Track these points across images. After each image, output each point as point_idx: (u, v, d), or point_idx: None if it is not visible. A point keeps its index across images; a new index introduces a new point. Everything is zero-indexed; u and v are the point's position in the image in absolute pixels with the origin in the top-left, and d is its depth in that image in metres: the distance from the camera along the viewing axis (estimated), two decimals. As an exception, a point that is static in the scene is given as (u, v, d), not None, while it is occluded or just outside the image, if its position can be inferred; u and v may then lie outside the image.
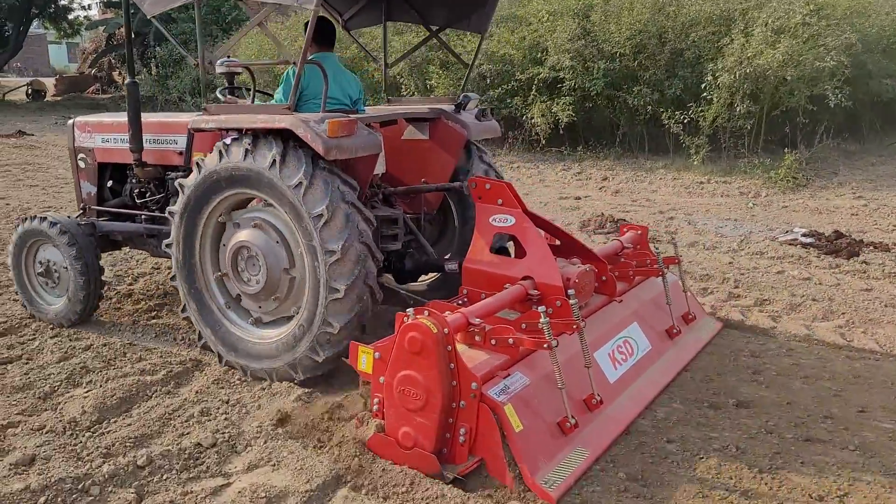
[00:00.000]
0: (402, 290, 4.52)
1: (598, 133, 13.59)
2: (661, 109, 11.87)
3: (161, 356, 4.74)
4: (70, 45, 55.10)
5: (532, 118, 12.87)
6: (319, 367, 4.18)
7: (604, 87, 12.39)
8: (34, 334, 5.16)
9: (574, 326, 3.50)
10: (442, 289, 5.35)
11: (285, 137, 4.10)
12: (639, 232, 5.11)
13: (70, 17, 33.19)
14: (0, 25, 29.86)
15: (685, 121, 11.59)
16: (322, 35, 4.84)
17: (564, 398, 3.33)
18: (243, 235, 4.35)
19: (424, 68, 14.35)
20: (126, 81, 5.15)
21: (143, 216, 5.49)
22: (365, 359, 3.47)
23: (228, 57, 4.63)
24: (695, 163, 11.57)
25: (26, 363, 4.64)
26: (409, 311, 3.28)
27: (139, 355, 4.78)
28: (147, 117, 5.22)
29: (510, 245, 4.71)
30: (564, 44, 12.36)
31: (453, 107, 5.12)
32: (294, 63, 4.02)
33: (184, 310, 4.69)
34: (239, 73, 5.15)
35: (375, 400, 3.45)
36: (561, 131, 12.85)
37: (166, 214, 4.68)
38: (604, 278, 4.37)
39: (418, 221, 5.09)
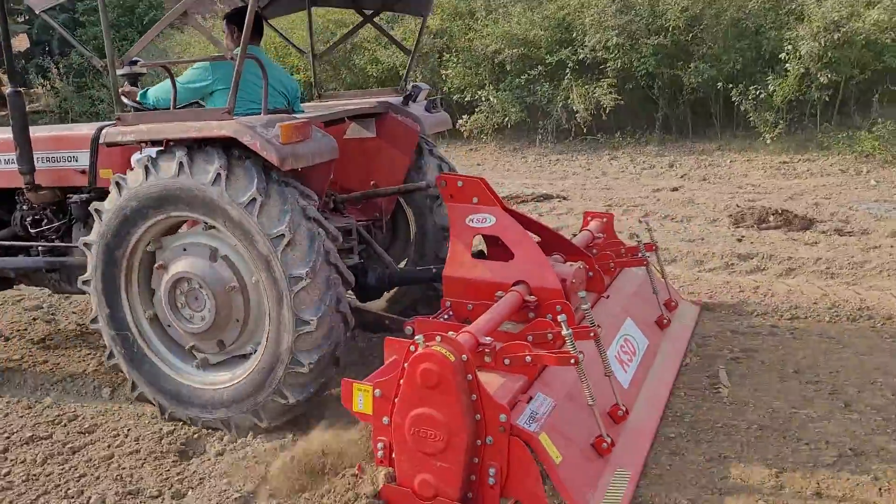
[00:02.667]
0: (375, 313, 4.01)
1: (634, 117, 12.33)
2: (731, 86, 10.73)
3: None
4: None
5: (568, 105, 11.73)
6: (289, 412, 3.62)
7: (655, 65, 11.19)
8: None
9: (591, 333, 3.12)
10: (399, 302, 4.85)
11: (226, 147, 3.48)
12: (604, 220, 4.80)
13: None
14: None
15: (760, 95, 10.47)
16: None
17: (597, 415, 2.94)
18: (181, 266, 3.69)
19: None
20: (7, 91, 4.31)
21: (39, 248, 4.67)
22: (362, 398, 2.95)
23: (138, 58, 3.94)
24: (767, 142, 10.54)
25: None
26: (418, 337, 2.79)
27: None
28: (35, 132, 4.41)
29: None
30: (608, 20, 11.18)
31: (400, 99, 4.61)
32: (231, 58, 3.41)
33: (110, 356, 3.98)
34: (143, 74, 4.44)
35: (380, 444, 2.93)
36: (604, 117, 11.68)
37: (78, 245, 3.94)
38: (590, 274, 4.02)
39: (369, 230, 4.57)
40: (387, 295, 4.85)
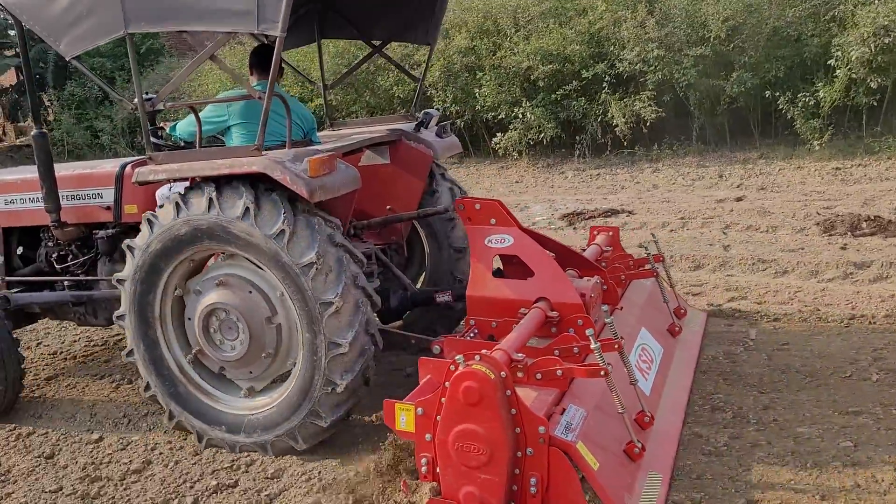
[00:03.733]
0: (401, 332, 4.17)
1: (671, 129, 12.26)
2: (778, 94, 10.77)
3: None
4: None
5: (608, 119, 11.69)
6: (324, 433, 3.77)
7: (697, 76, 11.15)
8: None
9: (616, 345, 3.29)
10: (418, 323, 5.00)
11: (252, 181, 3.64)
12: (610, 233, 4.99)
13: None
14: None
15: (810, 102, 10.51)
16: (267, 61, 4.37)
17: (627, 422, 3.11)
18: (211, 298, 3.83)
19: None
20: (33, 132, 4.45)
21: (65, 282, 4.80)
22: (405, 417, 3.09)
23: (173, 98, 4.09)
24: (816, 148, 10.55)
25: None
26: (458, 357, 2.94)
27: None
28: (59, 170, 4.55)
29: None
30: (647, 32, 11.19)
31: (412, 125, 4.78)
32: (260, 97, 3.57)
33: (147, 388, 4.10)
34: (160, 111, 4.59)
35: (423, 460, 3.08)
36: (644, 130, 11.71)
37: (111, 280, 4.07)
38: (605, 287, 4.20)
39: (386, 253, 4.73)
40: (406, 318, 5.01)
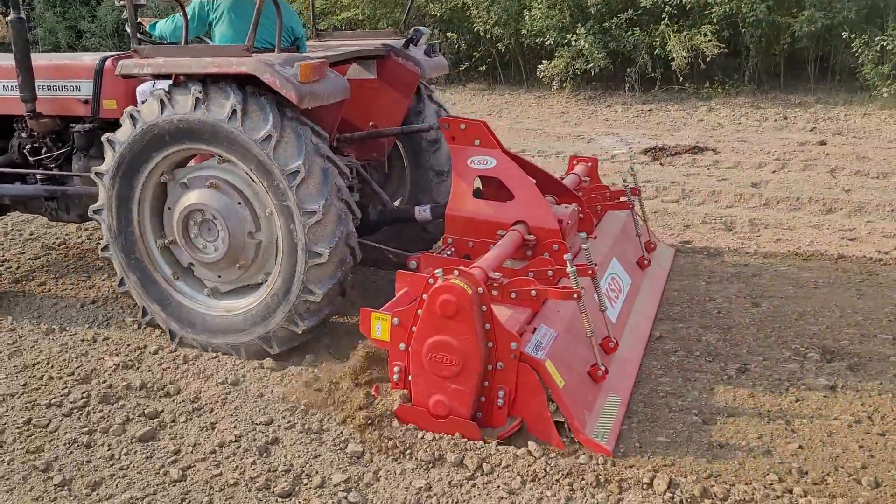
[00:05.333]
0: (378, 246, 4.21)
1: (721, 66, 11.75)
2: (853, 35, 10.23)
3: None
4: None
5: (661, 53, 11.14)
6: (298, 339, 3.84)
7: (766, 11, 10.53)
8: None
9: (589, 271, 3.39)
10: (395, 240, 5.04)
11: (240, 83, 3.59)
12: (589, 164, 5.04)
13: None
14: None
15: (888, 46, 9.93)
16: None
17: (595, 346, 3.25)
18: (195, 197, 3.82)
19: None
20: (10, 17, 4.28)
21: (38, 175, 4.72)
22: (380, 326, 3.19)
23: None
24: (884, 95, 10.12)
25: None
26: (438, 271, 3.01)
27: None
28: (37, 59, 4.41)
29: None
30: None
31: (402, 41, 4.71)
32: None
33: (121, 284, 4.12)
34: (142, 6, 4.45)
35: (396, 369, 3.19)
36: (703, 66, 11.12)
37: (90, 174, 4.03)
38: (581, 216, 4.28)
39: (366, 169, 4.72)
40: (384, 231, 5.04)
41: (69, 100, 4.45)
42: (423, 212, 4.28)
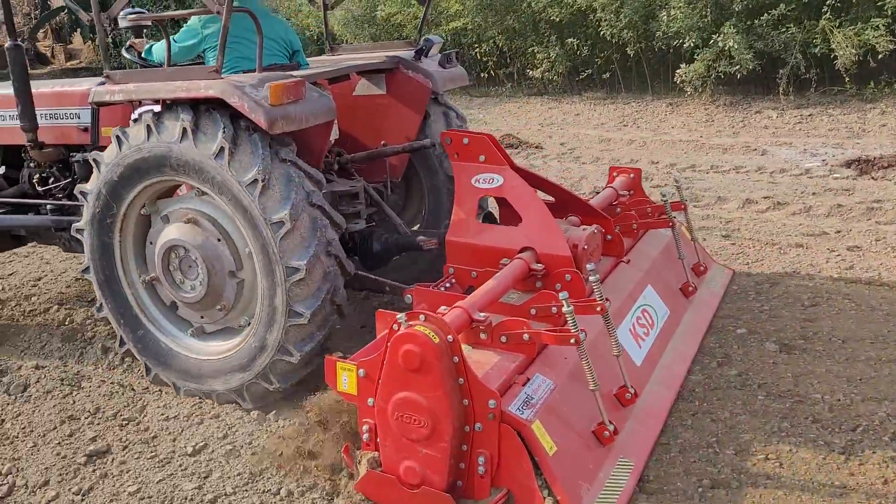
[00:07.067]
0: (370, 276, 3.82)
1: (887, 65, 10.08)
2: None
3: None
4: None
5: (817, 52, 9.79)
6: (269, 396, 3.50)
7: None
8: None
9: (598, 307, 2.86)
10: (411, 267, 4.61)
11: (235, 113, 3.26)
12: (631, 175, 4.45)
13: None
14: None
15: None
16: None
17: (599, 401, 2.70)
18: (174, 232, 3.54)
19: None
20: (7, 44, 4.16)
21: (48, 206, 4.59)
22: (346, 377, 2.77)
23: (132, 7, 3.72)
24: None
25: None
26: (400, 316, 2.57)
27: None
28: (37, 87, 4.27)
29: (494, 209, 4.03)
30: None
31: (412, 53, 4.30)
32: (218, 12, 3.16)
33: (100, 308, 3.89)
34: (147, 26, 4.23)
35: (365, 427, 2.76)
36: (873, 64, 9.63)
37: (76, 192, 3.84)
38: (609, 237, 3.73)
39: (380, 192, 4.33)
40: (399, 260, 4.63)
41: (70, 128, 4.29)
42: (428, 244, 3.83)
